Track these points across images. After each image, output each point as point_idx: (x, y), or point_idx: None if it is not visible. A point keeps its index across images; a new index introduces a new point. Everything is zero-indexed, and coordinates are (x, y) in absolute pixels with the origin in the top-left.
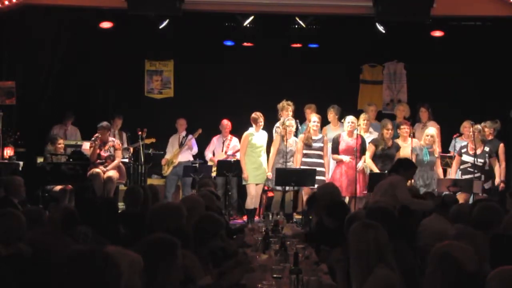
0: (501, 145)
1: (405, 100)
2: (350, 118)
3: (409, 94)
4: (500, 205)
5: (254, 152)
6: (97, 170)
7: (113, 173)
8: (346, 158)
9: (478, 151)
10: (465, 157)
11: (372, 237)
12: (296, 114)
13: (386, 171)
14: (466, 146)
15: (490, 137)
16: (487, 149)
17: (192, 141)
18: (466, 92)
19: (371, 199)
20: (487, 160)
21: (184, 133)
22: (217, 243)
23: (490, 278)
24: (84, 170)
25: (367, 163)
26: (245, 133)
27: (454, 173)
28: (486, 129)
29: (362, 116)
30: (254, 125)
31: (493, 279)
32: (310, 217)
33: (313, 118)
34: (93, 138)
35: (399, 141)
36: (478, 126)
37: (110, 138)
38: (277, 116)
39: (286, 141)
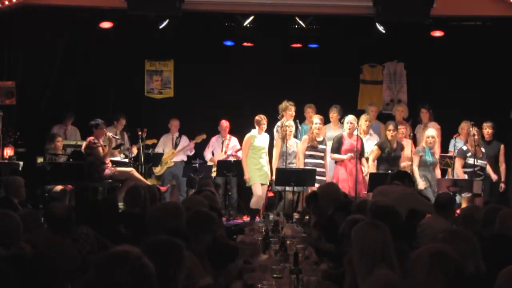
0: (502, 146)
1: (405, 100)
2: (349, 118)
3: (409, 94)
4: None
5: (256, 154)
6: (123, 168)
7: (131, 169)
8: (347, 155)
9: (479, 155)
10: (471, 161)
11: (378, 237)
12: (296, 114)
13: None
14: (469, 150)
15: (490, 138)
16: (483, 150)
17: (191, 144)
18: (466, 92)
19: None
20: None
21: (177, 134)
22: (211, 240)
23: (501, 276)
24: (83, 170)
25: (370, 165)
26: (248, 135)
27: (461, 175)
28: (488, 130)
29: (363, 117)
30: (257, 127)
31: (503, 277)
32: (307, 217)
33: (315, 120)
34: (94, 141)
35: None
36: (473, 131)
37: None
38: (278, 116)
39: (287, 142)
